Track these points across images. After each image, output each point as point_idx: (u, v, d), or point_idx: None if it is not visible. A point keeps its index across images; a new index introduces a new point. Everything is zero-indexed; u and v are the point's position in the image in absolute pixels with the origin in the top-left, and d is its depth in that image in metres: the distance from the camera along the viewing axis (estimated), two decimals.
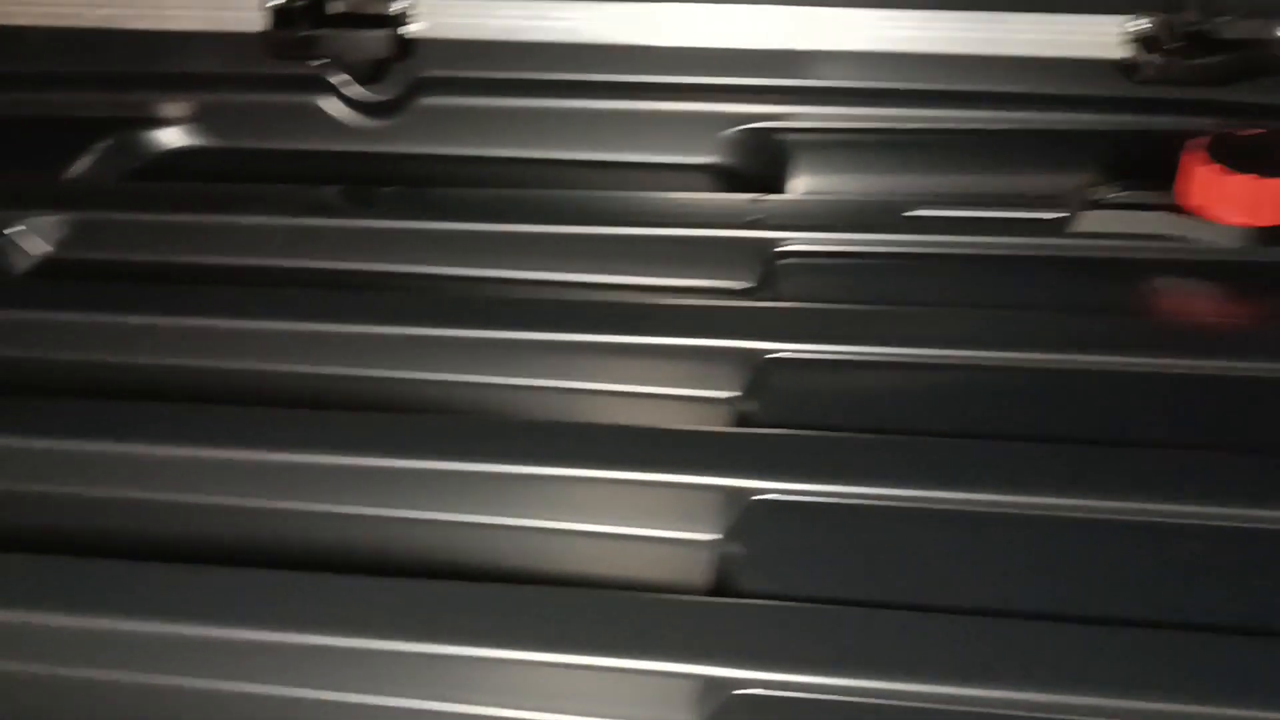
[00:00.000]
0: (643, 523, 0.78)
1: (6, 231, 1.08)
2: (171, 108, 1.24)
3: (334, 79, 1.23)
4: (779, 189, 1.12)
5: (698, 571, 0.76)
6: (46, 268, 1.08)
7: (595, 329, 0.92)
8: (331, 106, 1.23)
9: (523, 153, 1.22)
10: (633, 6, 1.21)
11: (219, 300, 0.99)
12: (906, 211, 1.01)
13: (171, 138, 1.24)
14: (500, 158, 1.22)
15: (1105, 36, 1.13)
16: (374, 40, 1.18)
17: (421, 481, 0.80)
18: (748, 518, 0.75)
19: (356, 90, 1.23)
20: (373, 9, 1.19)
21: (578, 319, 0.94)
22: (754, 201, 1.06)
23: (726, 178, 1.19)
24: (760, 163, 1.17)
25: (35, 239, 1.09)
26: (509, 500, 0.79)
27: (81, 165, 1.19)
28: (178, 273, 1.06)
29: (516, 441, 0.81)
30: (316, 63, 1.21)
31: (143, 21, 1.24)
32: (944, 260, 0.97)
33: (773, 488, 0.76)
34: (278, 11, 1.18)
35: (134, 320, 0.97)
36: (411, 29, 1.20)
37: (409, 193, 1.13)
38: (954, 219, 0.99)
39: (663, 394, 0.90)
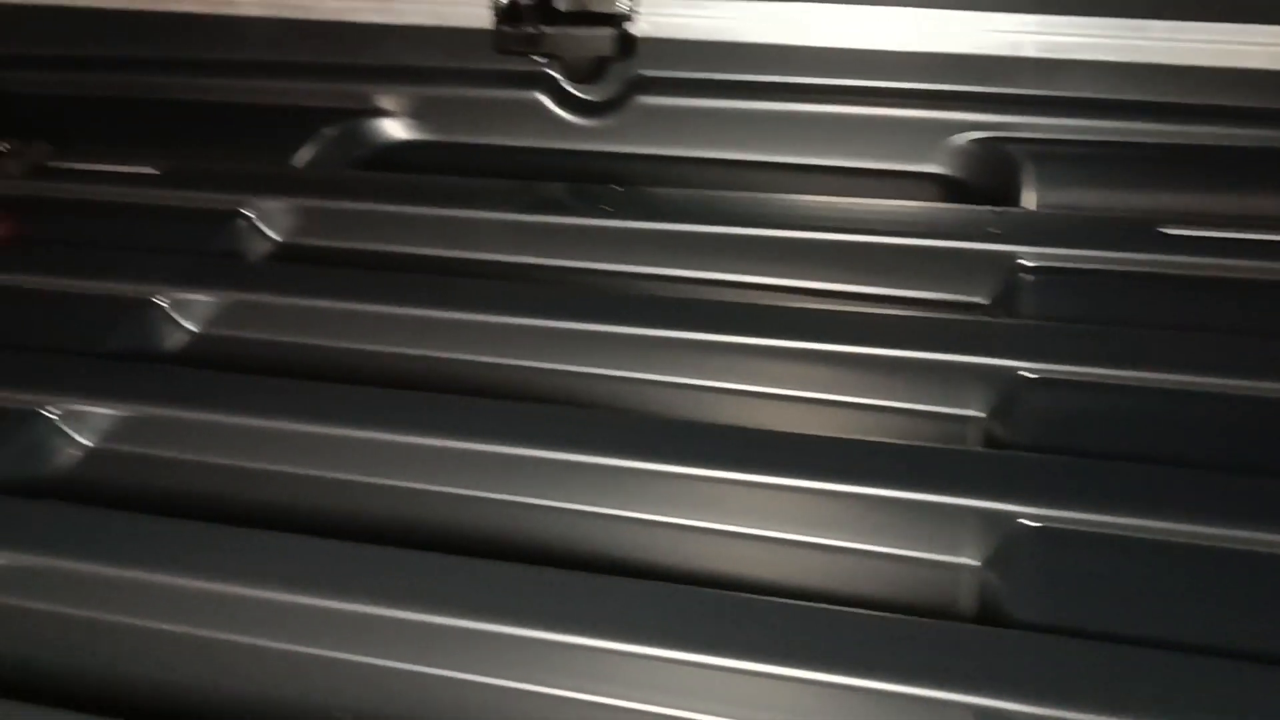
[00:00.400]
0: (898, 543, 0.76)
1: (244, 211, 1.11)
2: (396, 100, 1.26)
3: (555, 76, 1.23)
4: (1009, 201, 1.08)
5: (958, 596, 0.73)
6: (281, 252, 1.10)
7: (832, 339, 0.90)
8: (551, 104, 1.23)
9: (738, 155, 1.21)
10: (858, 9, 1.19)
11: (443, 291, 0.99)
12: (1161, 229, 0.96)
13: (395, 129, 1.26)
14: (716, 159, 1.21)
15: None
16: (598, 38, 1.18)
17: (670, 486, 0.80)
18: (1011, 544, 0.72)
19: (575, 88, 1.23)
20: (598, 7, 1.19)
21: (812, 327, 0.91)
22: (991, 213, 1.02)
23: (951, 187, 1.16)
24: (989, 174, 1.13)
25: (269, 224, 1.12)
26: (758, 511, 0.78)
27: (309, 153, 1.22)
28: (402, 263, 1.08)
29: (766, 452, 0.79)
30: (539, 59, 1.22)
31: (371, 15, 1.26)
32: (1204, 283, 0.92)
33: (1038, 514, 0.73)
34: (505, 8, 1.19)
35: (359, 308, 0.99)
36: (635, 28, 1.20)
37: (626, 192, 1.13)
38: (1214, 239, 0.94)
39: (903, 409, 0.88)
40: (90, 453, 0.89)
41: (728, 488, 0.78)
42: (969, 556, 0.74)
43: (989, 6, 1.16)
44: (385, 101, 1.26)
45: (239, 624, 0.74)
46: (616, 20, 1.19)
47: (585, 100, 1.24)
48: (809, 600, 0.70)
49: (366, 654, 0.72)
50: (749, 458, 0.78)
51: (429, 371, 0.95)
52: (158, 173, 1.16)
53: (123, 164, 1.19)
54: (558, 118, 1.24)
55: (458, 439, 0.84)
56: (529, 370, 0.95)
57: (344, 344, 0.98)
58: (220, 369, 0.94)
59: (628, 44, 1.20)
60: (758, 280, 1.03)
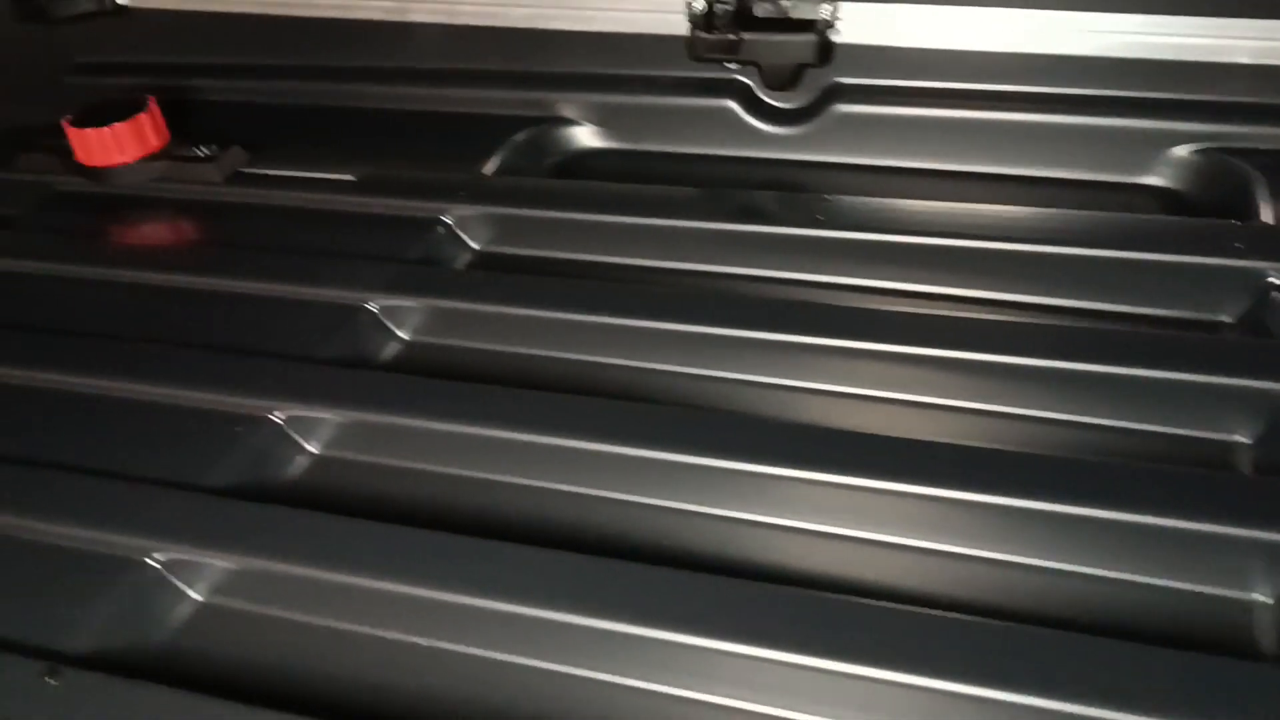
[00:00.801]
0: (1176, 575, 0.71)
1: (442, 219, 1.10)
2: (586, 108, 1.25)
3: (748, 83, 1.21)
4: (1242, 216, 1.02)
5: (1253, 633, 0.69)
6: (480, 260, 1.10)
7: (1077, 357, 0.86)
8: (744, 111, 1.21)
9: (940, 165, 1.17)
10: (1063, 15, 1.14)
11: (647, 300, 0.97)
12: None
13: (585, 136, 1.25)
14: (917, 169, 1.17)
15: None
16: (798, 45, 1.16)
17: (924, 509, 0.76)
18: None
19: (770, 95, 1.21)
20: (799, 13, 1.16)
21: (1049, 345, 0.87)
22: (1232, 227, 0.97)
23: (1168, 201, 1.11)
24: (1214, 187, 1.08)
25: (467, 232, 1.11)
26: (1029, 539, 0.74)
27: (499, 161, 1.21)
28: (602, 271, 1.07)
29: (1034, 476, 0.75)
30: (734, 67, 1.19)
31: (562, 22, 1.25)
32: None
33: None
34: (702, 15, 1.17)
35: (564, 316, 0.97)
36: (835, 35, 1.17)
37: (823, 202, 1.10)
38: None
39: (1157, 432, 0.83)
40: (314, 459, 0.88)
41: (1006, 515, 0.74)
42: (1261, 593, 0.70)
43: (1196, 11, 1.11)
44: (576, 109, 1.25)
45: (455, 632, 0.73)
46: (818, 27, 1.16)
47: (779, 108, 1.21)
48: (1082, 632, 0.66)
49: (577, 666, 0.71)
50: (1015, 482, 0.75)
51: (635, 381, 0.94)
52: (353, 179, 1.17)
53: (315, 170, 1.19)
54: (750, 125, 1.21)
55: (665, 450, 0.82)
56: (743, 384, 0.92)
57: (549, 352, 0.97)
58: (432, 375, 0.93)
59: (827, 51, 1.17)
60: (970, 294, 0.99)
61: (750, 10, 1.17)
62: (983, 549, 0.75)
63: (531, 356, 0.97)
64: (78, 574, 0.76)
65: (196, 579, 0.77)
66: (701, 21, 1.17)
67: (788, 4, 1.17)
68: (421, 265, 1.06)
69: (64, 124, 1.19)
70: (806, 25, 1.16)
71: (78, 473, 0.84)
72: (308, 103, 1.32)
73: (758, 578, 0.72)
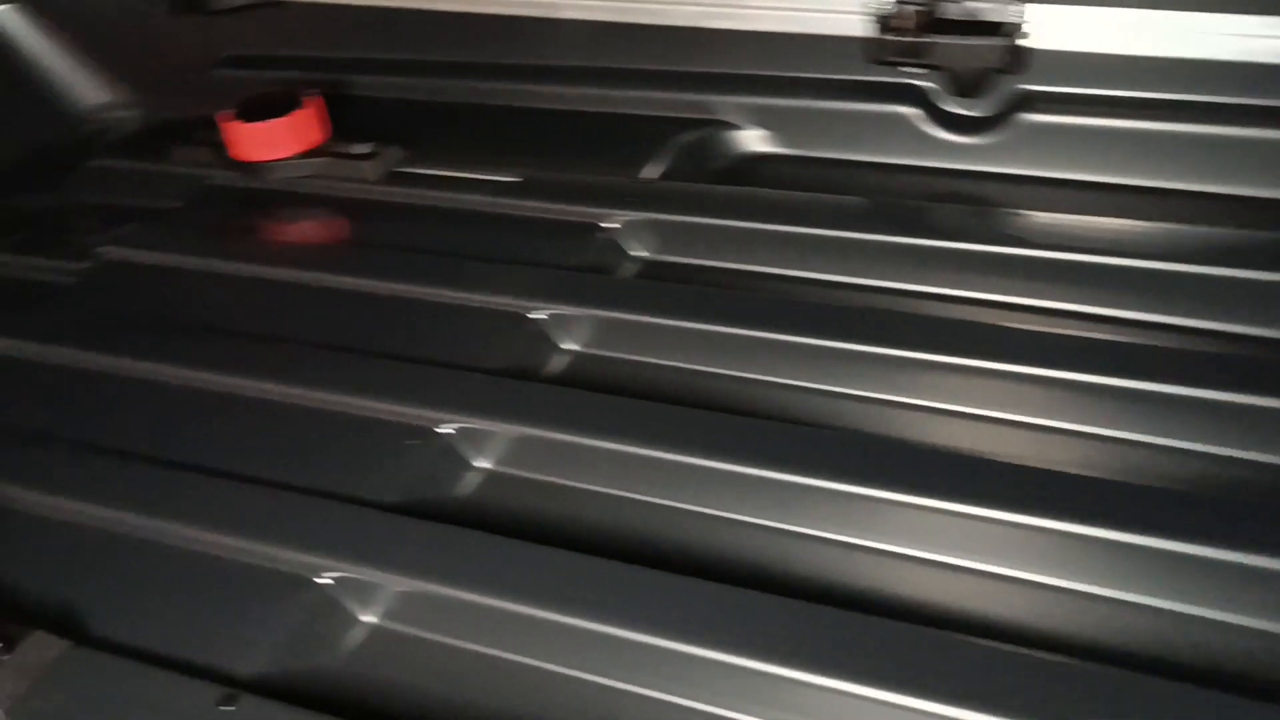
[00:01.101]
0: None
1: (604, 225, 1.05)
2: (754, 111, 1.19)
3: (928, 89, 1.13)
4: None
5: None
6: (648, 270, 1.05)
7: None
8: (924, 118, 1.14)
9: (1143, 181, 1.08)
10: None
11: (824, 318, 0.91)
12: None
13: (752, 141, 1.19)
14: (1117, 184, 1.08)
15: None
16: (987, 49, 1.08)
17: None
18: None
19: (954, 102, 1.13)
20: (988, 16, 1.08)
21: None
22: None
23: None
24: None
25: (633, 239, 1.06)
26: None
27: (661, 164, 1.15)
28: (766, 283, 1.02)
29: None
30: (915, 71, 1.12)
31: (729, 21, 1.20)
32: None
33: None
34: (883, 16, 1.10)
35: (738, 332, 0.92)
36: (1025, 39, 1.09)
37: (1014, 217, 1.03)
38: None
39: None
40: (483, 474, 0.84)
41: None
42: None
43: None
44: (743, 112, 1.19)
45: (611, 666, 0.69)
46: (1007, 30, 1.08)
47: (963, 116, 1.13)
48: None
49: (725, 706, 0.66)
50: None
51: (811, 405, 0.88)
52: (514, 181, 1.12)
53: (472, 171, 1.16)
54: (930, 134, 1.14)
55: (833, 480, 0.76)
56: (918, 410, 0.86)
57: (720, 369, 0.92)
58: (599, 390, 0.88)
59: (1017, 55, 1.09)
60: (1172, 321, 0.91)
61: (936, 12, 1.09)
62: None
63: (701, 373, 0.92)
64: (246, 592, 0.73)
65: (366, 601, 0.74)
66: (884, 23, 1.11)
67: (977, 5, 1.09)
68: (587, 273, 1.01)
69: (222, 118, 1.17)
70: (995, 28, 1.08)
71: (240, 481, 0.81)
72: (463, 100, 1.28)
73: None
